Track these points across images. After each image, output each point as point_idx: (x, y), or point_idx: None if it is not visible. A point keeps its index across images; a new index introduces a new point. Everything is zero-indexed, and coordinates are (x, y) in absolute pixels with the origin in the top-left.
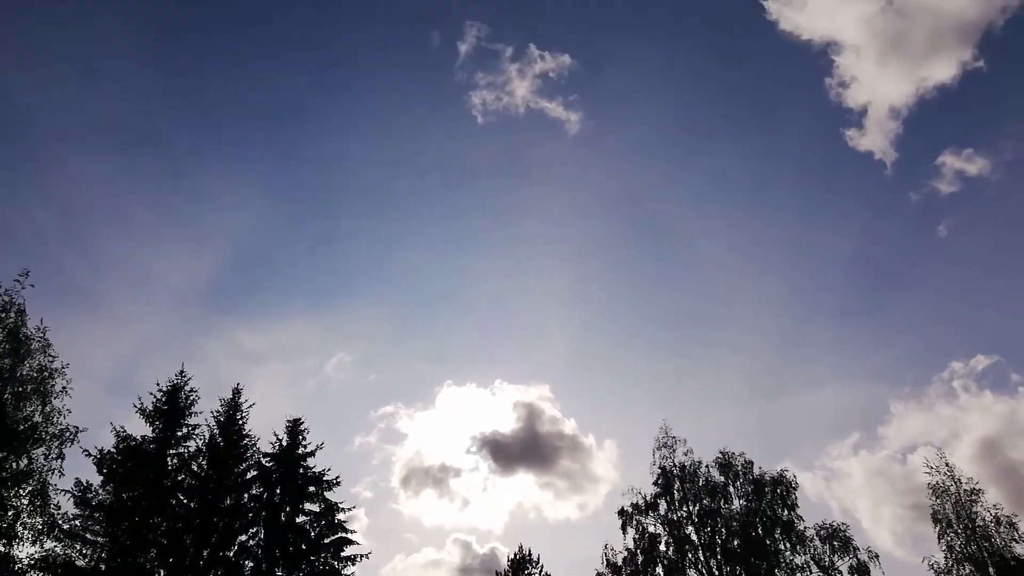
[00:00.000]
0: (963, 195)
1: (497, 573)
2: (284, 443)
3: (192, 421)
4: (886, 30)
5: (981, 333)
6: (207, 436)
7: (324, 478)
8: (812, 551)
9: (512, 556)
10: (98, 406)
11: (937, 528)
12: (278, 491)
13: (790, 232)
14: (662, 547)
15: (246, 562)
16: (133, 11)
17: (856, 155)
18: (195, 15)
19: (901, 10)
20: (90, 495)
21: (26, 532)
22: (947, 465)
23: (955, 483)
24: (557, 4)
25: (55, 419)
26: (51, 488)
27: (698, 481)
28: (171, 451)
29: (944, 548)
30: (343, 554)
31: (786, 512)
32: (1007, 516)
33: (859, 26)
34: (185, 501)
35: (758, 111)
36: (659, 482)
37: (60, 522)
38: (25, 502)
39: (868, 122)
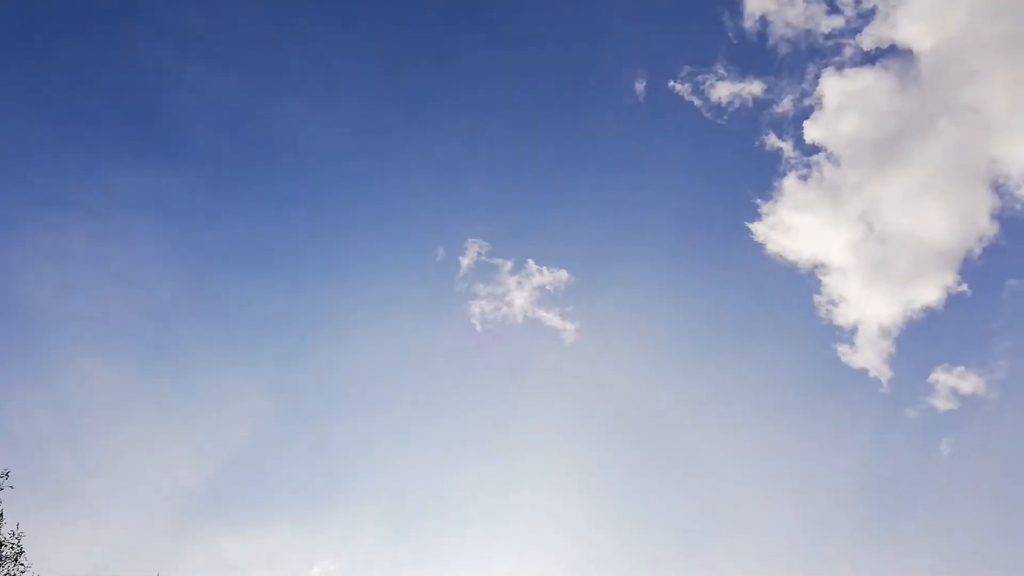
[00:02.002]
0: (962, 413)
1: None
2: None
3: None
4: (870, 255)
5: (1005, 555)
6: None
7: None
8: None
9: None
10: None
11: None
12: None
13: (792, 446)
14: None
15: None
16: (158, 226)
17: (851, 372)
18: (215, 232)
19: (882, 237)
20: None
21: None
22: None
23: None
24: (554, 224)
25: None
26: None
27: None
28: None
29: None
30: None
31: None
32: None
33: (843, 250)
34: None
35: (752, 325)
36: None
37: None
38: None
39: (859, 340)
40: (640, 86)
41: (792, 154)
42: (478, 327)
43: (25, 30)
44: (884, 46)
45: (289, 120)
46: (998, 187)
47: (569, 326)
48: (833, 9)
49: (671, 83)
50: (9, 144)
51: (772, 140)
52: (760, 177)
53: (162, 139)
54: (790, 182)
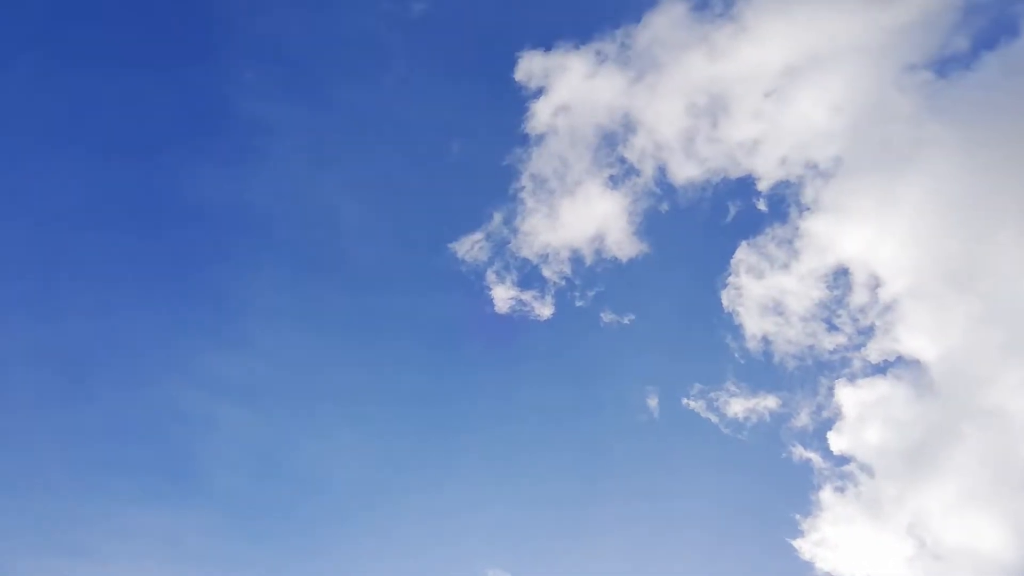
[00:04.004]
0: None
1: None
2: None
3: None
4: (929, 573)
5: None
6: None
7: None
8: None
9: None
10: None
11: None
12: None
13: None
14: None
15: None
16: (168, 568)
17: None
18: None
19: (937, 553)
20: None
21: None
22: None
23: None
24: (579, 551)
25: None
26: None
27: None
28: None
29: None
30: None
31: None
32: None
33: (900, 568)
34: None
35: None
36: None
37: None
38: None
39: None
40: (653, 402)
41: (823, 465)
42: None
43: (53, 379)
44: (891, 358)
45: (309, 456)
46: None
47: None
48: (832, 327)
49: (684, 400)
50: (22, 492)
51: (799, 451)
52: (795, 491)
53: (183, 478)
54: (827, 495)
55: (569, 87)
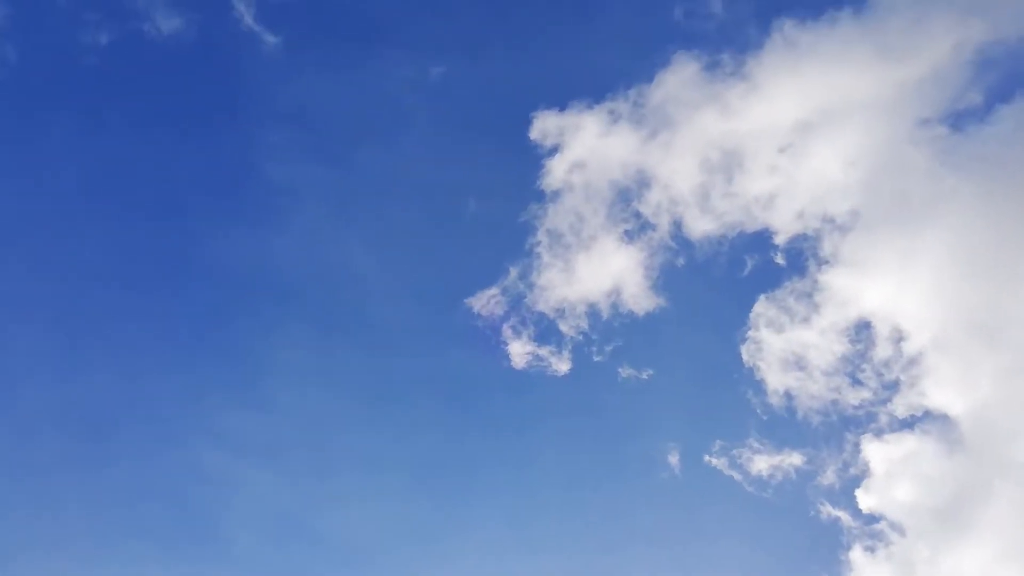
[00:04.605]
0: None
1: None
2: None
3: None
4: None
5: None
6: None
7: None
8: None
9: None
10: None
11: None
12: None
13: None
14: None
15: None
16: None
17: None
18: None
19: None
20: None
21: None
22: None
23: None
24: None
25: None
26: None
27: None
28: None
29: None
30: None
31: None
32: None
33: None
34: None
35: None
36: None
37: None
38: None
39: None
40: (674, 459)
41: (852, 524)
42: None
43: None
44: (918, 413)
45: (329, 519)
46: None
47: None
48: (856, 381)
49: (706, 457)
50: (43, 554)
51: (827, 510)
52: (823, 551)
53: (203, 540)
54: (857, 555)
55: (583, 145)
